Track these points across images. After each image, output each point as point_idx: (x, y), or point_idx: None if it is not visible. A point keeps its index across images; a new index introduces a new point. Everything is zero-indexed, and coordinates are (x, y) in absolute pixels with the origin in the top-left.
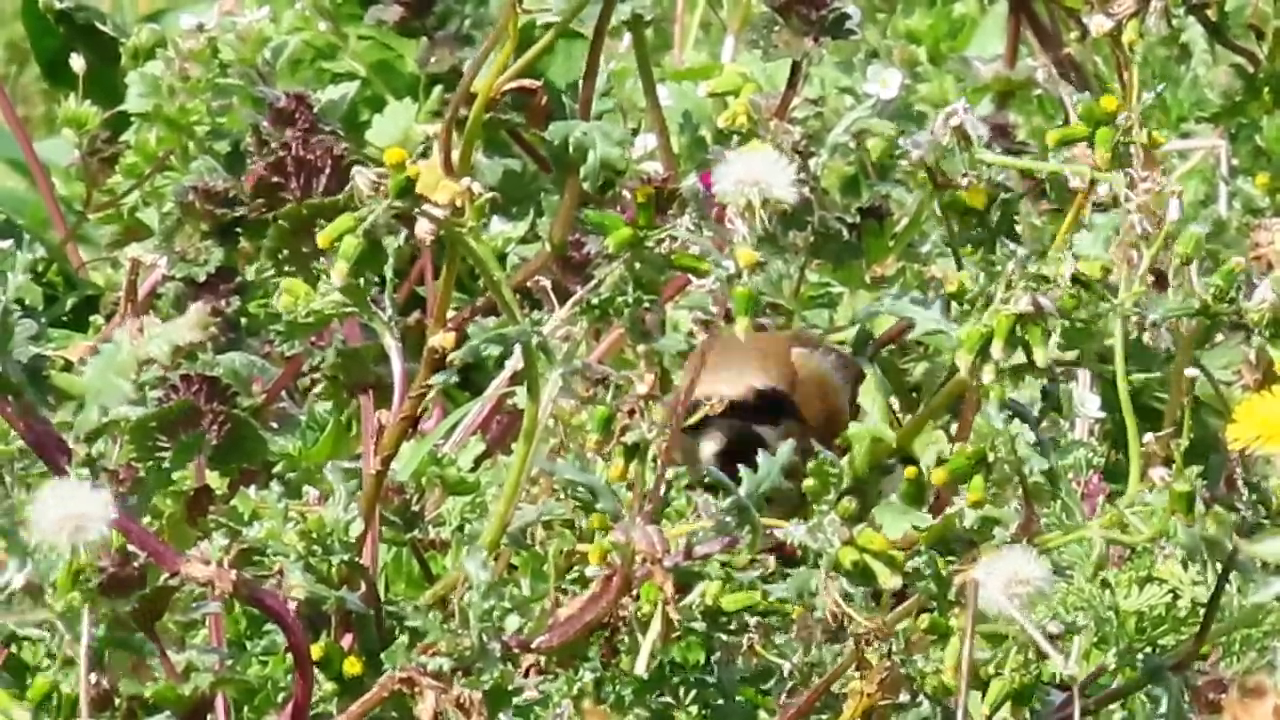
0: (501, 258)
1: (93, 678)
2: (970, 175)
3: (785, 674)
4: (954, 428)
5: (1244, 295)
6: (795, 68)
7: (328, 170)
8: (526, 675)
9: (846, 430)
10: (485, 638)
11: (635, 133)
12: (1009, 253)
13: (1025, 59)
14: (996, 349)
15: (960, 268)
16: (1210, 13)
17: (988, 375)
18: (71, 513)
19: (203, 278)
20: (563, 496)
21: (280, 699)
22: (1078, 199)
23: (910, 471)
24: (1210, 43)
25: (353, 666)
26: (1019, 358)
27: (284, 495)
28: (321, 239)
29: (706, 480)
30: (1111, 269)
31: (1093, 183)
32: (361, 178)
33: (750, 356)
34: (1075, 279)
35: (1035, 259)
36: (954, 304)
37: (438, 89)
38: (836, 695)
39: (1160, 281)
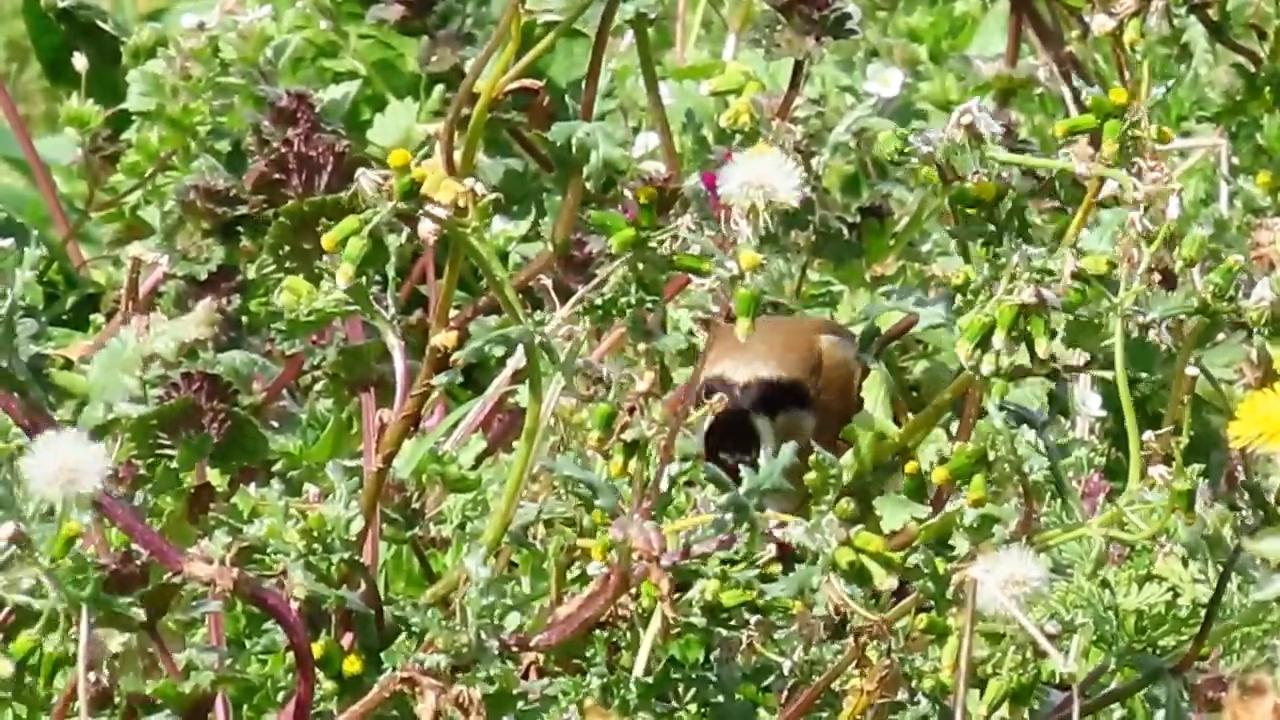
0: (503, 257)
1: (92, 676)
2: (981, 173)
3: (785, 672)
4: (955, 428)
5: (1243, 293)
6: (797, 67)
7: (329, 167)
8: (526, 675)
9: None
10: (483, 635)
11: (637, 131)
12: (1014, 246)
13: (1026, 57)
14: (998, 339)
15: (968, 263)
16: (1211, 12)
17: (987, 366)
18: (65, 465)
19: (204, 276)
20: (563, 494)
21: (279, 698)
22: (1088, 195)
23: (911, 466)
24: (1211, 42)
25: (353, 665)
26: (1021, 355)
27: (284, 493)
28: (327, 241)
29: (706, 476)
30: (1117, 264)
31: (1101, 179)
32: (366, 179)
33: (772, 344)
34: (1078, 275)
35: (1042, 253)
36: (958, 298)
37: (439, 88)
38: (836, 693)
39: (1166, 279)
